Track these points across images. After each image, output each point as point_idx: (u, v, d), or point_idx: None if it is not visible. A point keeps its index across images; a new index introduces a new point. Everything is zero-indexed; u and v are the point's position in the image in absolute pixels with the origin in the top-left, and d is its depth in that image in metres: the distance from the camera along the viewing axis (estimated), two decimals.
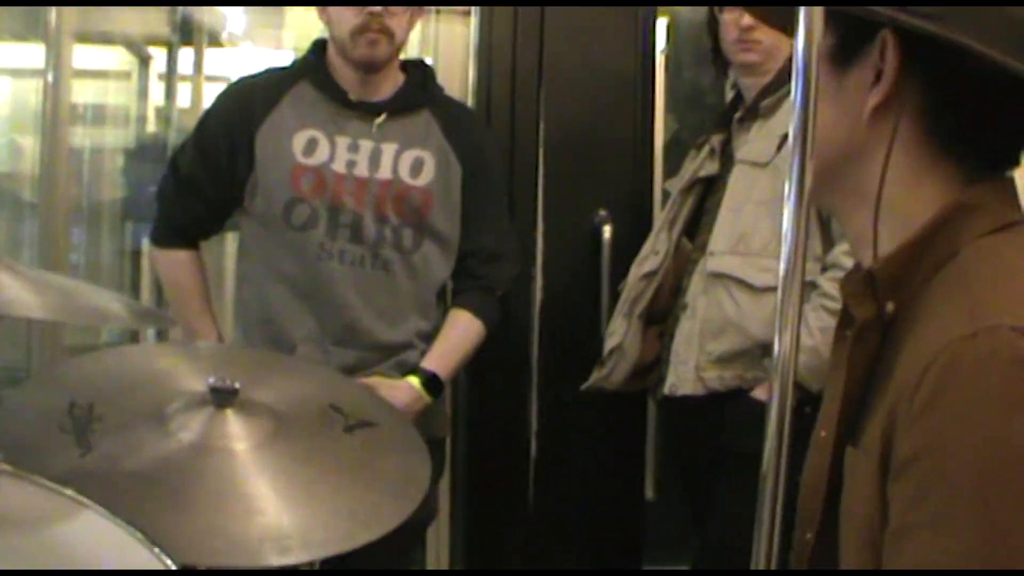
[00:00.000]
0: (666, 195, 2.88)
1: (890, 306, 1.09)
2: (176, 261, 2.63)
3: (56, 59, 3.29)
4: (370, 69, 2.51)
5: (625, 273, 2.84)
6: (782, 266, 0.98)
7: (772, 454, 0.89)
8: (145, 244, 5.19)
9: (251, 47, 4.21)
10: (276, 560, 1.64)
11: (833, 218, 1.24)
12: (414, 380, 2.48)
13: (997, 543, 0.93)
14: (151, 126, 4.40)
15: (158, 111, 4.39)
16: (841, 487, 1.15)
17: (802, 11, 0.75)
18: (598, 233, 3.06)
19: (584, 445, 3.07)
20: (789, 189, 0.91)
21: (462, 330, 2.57)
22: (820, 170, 1.18)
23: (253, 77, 2.66)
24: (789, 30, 0.95)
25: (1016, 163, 1.16)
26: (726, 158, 2.70)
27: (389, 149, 2.53)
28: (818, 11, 0.75)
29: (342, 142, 2.51)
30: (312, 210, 2.49)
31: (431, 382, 2.49)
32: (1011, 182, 1.14)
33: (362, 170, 2.50)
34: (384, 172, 2.51)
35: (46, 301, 1.59)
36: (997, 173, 1.14)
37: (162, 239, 2.64)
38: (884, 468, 1.02)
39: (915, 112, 1.10)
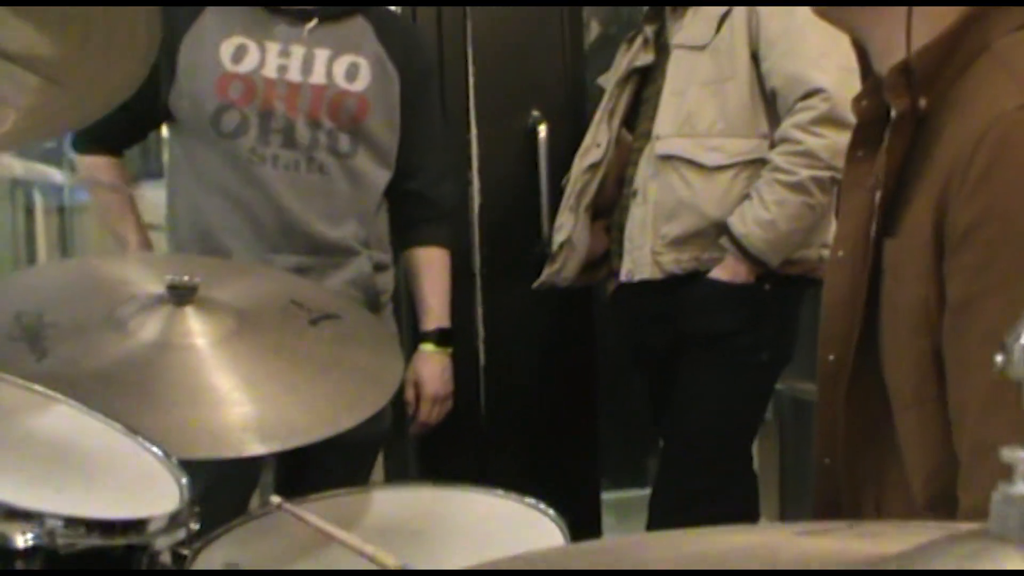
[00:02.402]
0: (599, 92, 2.84)
1: (923, 101, 1.08)
2: (95, 165, 2.58)
3: None
4: None
5: (562, 173, 2.80)
6: None
7: None
8: (39, 201, 5.02)
9: None
10: (262, 447, 1.57)
11: (855, 34, 1.21)
12: (432, 348, 2.55)
13: None
14: None
15: None
16: (874, 301, 1.13)
17: None
18: (533, 134, 3.01)
19: (532, 346, 3.03)
20: None
21: (444, 269, 2.57)
22: None
23: None
24: None
25: None
26: (660, 47, 2.68)
27: (322, 54, 2.42)
28: None
29: (272, 47, 2.41)
30: (242, 116, 2.39)
31: (444, 337, 2.55)
32: None
33: (294, 75, 2.41)
34: (318, 77, 2.41)
35: None
36: None
37: (82, 145, 2.59)
38: (936, 247, 1.01)
39: None
